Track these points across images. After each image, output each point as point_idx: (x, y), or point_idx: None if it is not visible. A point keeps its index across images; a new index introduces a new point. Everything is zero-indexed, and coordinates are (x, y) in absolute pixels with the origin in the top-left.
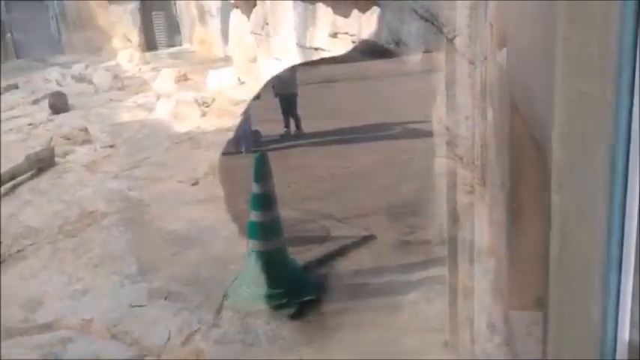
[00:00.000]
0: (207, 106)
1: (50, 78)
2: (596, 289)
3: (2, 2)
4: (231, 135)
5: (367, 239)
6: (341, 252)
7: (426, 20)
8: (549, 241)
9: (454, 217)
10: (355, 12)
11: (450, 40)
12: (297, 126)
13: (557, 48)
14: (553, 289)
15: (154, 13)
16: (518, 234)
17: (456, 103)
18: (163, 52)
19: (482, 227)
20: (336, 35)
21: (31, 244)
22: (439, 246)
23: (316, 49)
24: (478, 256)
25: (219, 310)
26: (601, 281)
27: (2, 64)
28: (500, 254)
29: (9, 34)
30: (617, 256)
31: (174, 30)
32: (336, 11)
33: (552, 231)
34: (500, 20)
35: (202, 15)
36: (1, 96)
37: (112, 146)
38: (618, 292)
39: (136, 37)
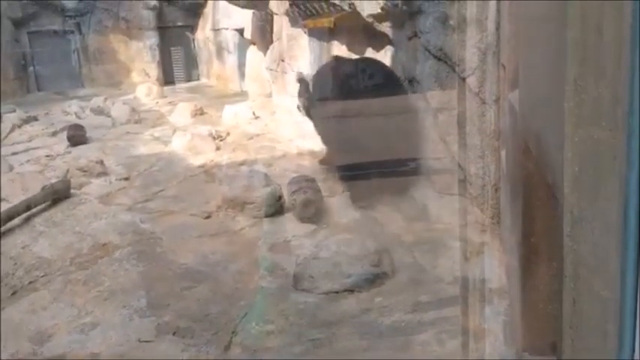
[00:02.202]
0: (221, 140)
1: (69, 110)
2: (611, 334)
3: (26, 36)
4: (244, 169)
5: (377, 276)
6: (351, 289)
7: (439, 59)
8: (562, 284)
9: (466, 256)
10: (370, 50)
11: (463, 80)
12: None
13: (568, 92)
14: (566, 334)
15: (172, 48)
16: (531, 276)
17: (468, 142)
18: (181, 86)
19: (495, 267)
20: None
21: (42, 276)
22: (451, 285)
23: None
24: (490, 297)
25: (227, 347)
26: (615, 326)
27: (24, 97)
28: (512, 296)
29: (31, 68)
30: (631, 301)
31: (191, 65)
32: (350, 49)
33: (565, 274)
34: (512, 62)
35: (220, 51)
36: (22, 128)
37: (126, 179)
38: (633, 337)
39: (154, 71)
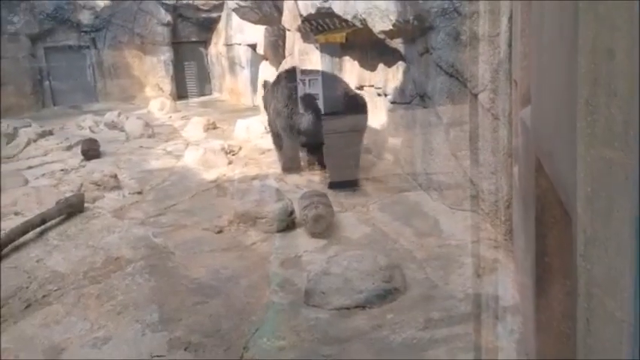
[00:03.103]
0: (234, 154)
1: (84, 125)
2: (624, 354)
3: (43, 51)
4: (256, 184)
5: (389, 292)
6: (363, 305)
7: (451, 75)
8: (576, 302)
9: (478, 273)
10: (381, 66)
11: (475, 96)
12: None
13: (579, 113)
14: (580, 354)
15: (185, 63)
16: (544, 294)
17: (480, 158)
18: (194, 100)
19: (507, 284)
20: (362, 88)
21: (56, 290)
22: (464, 302)
23: None
24: (503, 314)
25: None
26: (629, 347)
27: (39, 111)
28: (525, 314)
29: (47, 82)
30: None
31: (204, 80)
32: (362, 65)
33: (578, 294)
34: (524, 78)
35: (232, 66)
36: (37, 142)
37: (139, 193)
38: None
39: (168, 86)
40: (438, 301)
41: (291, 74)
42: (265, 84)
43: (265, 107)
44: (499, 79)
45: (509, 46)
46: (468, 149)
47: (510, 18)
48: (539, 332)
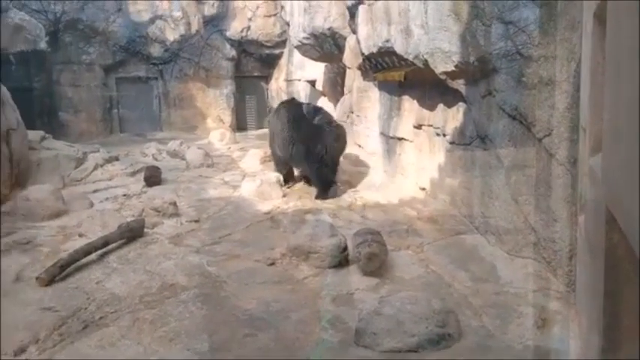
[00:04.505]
0: (288, 187)
1: (148, 152)
2: None
3: (114, 81)
4: (310, 218)
5: (442, 338)
6: (415, 350)
7: (514, 119)
8: None
9: (538, 324)
10: (441, 106)
11: (539, 140)
12: None
13: None
14: None
15: (247, 96)
16: (612, 354)
17: (542, 204)
18: (252, 133)
19: (570, 338)
20: (420, 127)
21: (113, 312)
22: (522, 353)
23: (400, 138)
24: None
25: None
26: None
27: (107, 138)
28: None
29: (115, 110)
30: None
31: (263, 113)
32: (421, 104)
33: None
34: (594, 125)
35: None
36: (104, 167)
37: (196, 221)
38: None
39: (228, 117)
40: (495, 352)
41: (310, 107)
42: (272, 110)
43: (273, 131)
44: (565, 124)
45: (577, 90)
46: (529, 194)
47: (579, 63)
48: None
